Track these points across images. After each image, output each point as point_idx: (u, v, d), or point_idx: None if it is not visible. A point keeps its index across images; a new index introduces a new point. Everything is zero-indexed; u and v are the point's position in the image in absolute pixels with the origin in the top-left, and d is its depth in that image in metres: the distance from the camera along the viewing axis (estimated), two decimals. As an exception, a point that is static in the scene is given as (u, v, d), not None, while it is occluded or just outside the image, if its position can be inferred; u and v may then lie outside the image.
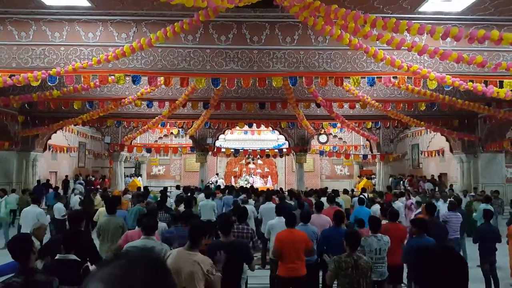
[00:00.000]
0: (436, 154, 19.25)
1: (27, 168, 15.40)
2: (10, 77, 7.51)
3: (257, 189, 13.88)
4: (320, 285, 5.64)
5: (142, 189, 14.00)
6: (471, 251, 8.28)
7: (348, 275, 3.84)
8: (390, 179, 20.21)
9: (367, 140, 17.47)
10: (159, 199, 9.41)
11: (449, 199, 9.48)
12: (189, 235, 3.53)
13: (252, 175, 22.33)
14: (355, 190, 17.54)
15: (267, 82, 8.89)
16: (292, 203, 9.21)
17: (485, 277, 6.35)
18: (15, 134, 14.50)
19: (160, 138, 21.73)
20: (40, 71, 7.31)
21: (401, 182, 19.86)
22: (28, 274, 2.90)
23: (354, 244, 4.01)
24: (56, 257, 3.52)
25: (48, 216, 8.74)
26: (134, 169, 23.21)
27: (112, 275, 0.93)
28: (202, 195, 10.30)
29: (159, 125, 15.71)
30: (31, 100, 10.27)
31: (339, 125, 16.16)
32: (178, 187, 14.80)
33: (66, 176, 19.17)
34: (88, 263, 3.66)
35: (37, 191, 14.81)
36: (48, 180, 16.67)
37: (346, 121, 13.67)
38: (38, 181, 15.84)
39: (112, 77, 8.00)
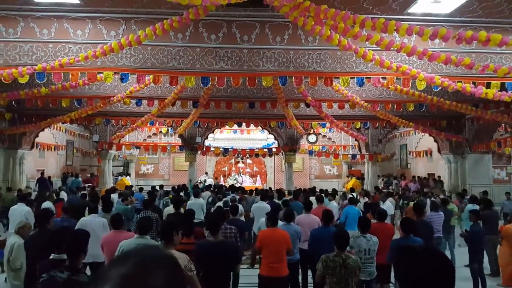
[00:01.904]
0: (424, 155, 19.46)
1: (14, 166, 15.17)
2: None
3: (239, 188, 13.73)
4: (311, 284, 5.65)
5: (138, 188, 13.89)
6: (457, 251, 8.39)
7: (336, 274, 3.87)
8: (385, 179, 20.38)
9: (356, 140, 17.55)
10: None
11: (432, 199, 9.52)
12: (161, 233, 3.52)
13: (241, 175, 22.28)
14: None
15: (257, 81, 8.89)
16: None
17: (473, 277, 6.42)
18: (2, 131, 14.22)
19: (149, 136, 21.53)
20: (25, 67, 7.18)
21: (392, 182, 20.00)
22: (73, 272, 2.88)
23: (343, 244, 4.04)
24: (51, 257, 3.47)
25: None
26: (122, 167, 22.94)
27: (127, 275, 0.83)
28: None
29: (148, 123, 15.58)
30: (19, 97, 10.08)
31: (328, 125, 16.22)
32: (161, 187, 14.67)
33: (64, 173, 19.26)
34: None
35: (41, 182, 15.34)
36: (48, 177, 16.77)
37: (335, 121, 13.73)
38: (42, 172, 16.03)
39: (101, 74, 7.91)
